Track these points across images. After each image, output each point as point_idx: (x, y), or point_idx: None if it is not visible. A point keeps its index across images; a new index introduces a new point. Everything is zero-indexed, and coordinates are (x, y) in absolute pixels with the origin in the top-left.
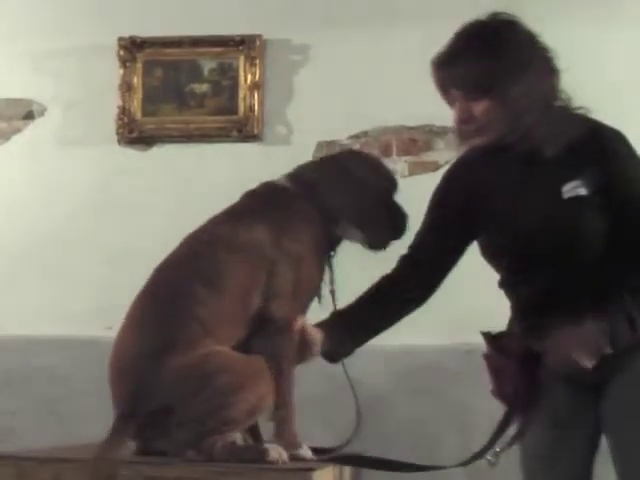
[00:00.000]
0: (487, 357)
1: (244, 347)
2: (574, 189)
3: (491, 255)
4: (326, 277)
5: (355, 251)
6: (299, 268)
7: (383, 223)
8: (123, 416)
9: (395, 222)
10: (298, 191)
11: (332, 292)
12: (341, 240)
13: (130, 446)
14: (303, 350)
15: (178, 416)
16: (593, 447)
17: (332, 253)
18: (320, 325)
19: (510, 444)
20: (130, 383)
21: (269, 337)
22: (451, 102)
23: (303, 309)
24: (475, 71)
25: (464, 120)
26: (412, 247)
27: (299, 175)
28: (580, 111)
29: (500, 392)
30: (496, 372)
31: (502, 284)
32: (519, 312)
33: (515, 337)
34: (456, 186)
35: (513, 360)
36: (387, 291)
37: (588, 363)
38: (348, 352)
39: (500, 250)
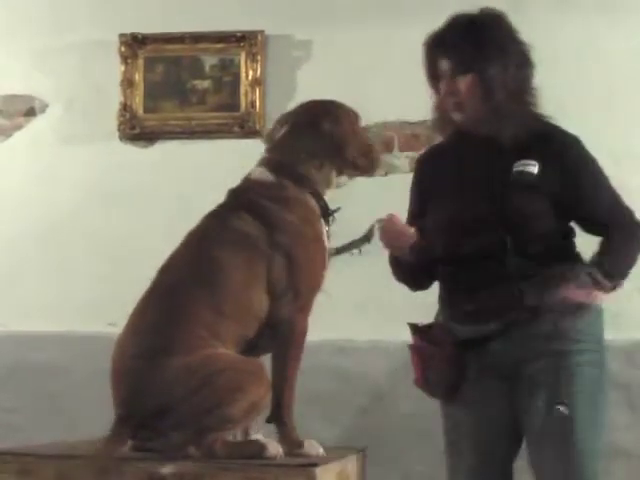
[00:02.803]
0: (415, 347)
1: (252, 347)
2: (524, 165)
3: (434, 233)
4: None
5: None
6: (293, 262)
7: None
8: (121, 418)
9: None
10: (278, 176)
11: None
12: (335, 210)
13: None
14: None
15: (175, 417)
16: (514, 442)
17: (330, 224)
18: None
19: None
20: (127, 385)
21: (276, 339)
22: (438, 81)
23: (307, 306)
24: (463, 49)
25: (450, 92)
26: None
27: (273, 158)
28: (545, 119)
29: (426, 381)
30: (424, 361)
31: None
32: (450, 298)
33: (443, 328)
34: (417, 178)
35: (444, 348)
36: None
37: None
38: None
39: (441, 230)
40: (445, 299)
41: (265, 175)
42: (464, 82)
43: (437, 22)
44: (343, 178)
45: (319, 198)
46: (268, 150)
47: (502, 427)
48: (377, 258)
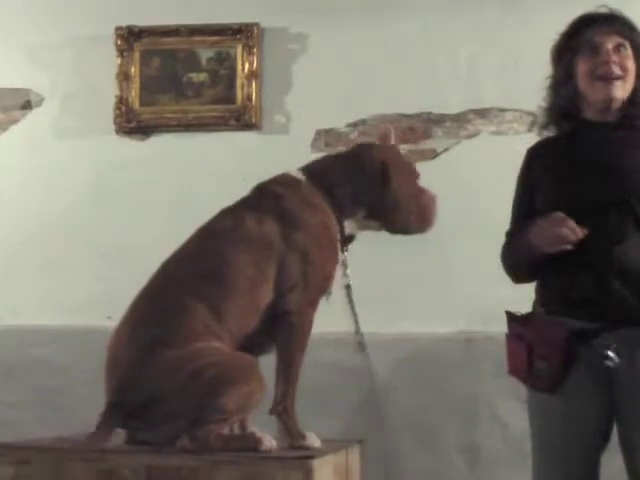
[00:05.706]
0: (519, 334)
1: (252, 346)
2: None
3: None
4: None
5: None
6: (307, 259)
7: (404, 212)
8: (111, 405)
9: (419, 210)
10: (311, 183)
11: (347, 287)
12: (354, 238)
13: (120, 435)
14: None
15: (164, 409)
16: (604, 439)
17: (345, 251)
18: None
19: None
20: (119, 373)
21: (281, 330)
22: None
23: (315, 300)
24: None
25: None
26: None
27: (313, 167)
28: None
29: (529, 370)
30: (530, 349)
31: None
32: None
33: (549, 317)
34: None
35: (556, 336)
36: None
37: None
38: None
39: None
40: (558, 291)
41: (299, 175)
42: (630, 62)
43: (433, 15)
44: (373, 224)
45: (339, 223)
46: (315, 162)
47: (595, 421)
48: (377, 250)
